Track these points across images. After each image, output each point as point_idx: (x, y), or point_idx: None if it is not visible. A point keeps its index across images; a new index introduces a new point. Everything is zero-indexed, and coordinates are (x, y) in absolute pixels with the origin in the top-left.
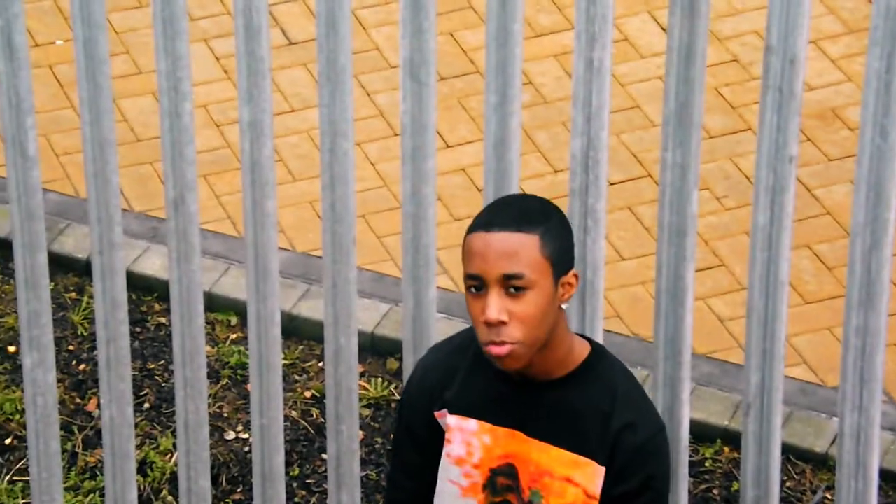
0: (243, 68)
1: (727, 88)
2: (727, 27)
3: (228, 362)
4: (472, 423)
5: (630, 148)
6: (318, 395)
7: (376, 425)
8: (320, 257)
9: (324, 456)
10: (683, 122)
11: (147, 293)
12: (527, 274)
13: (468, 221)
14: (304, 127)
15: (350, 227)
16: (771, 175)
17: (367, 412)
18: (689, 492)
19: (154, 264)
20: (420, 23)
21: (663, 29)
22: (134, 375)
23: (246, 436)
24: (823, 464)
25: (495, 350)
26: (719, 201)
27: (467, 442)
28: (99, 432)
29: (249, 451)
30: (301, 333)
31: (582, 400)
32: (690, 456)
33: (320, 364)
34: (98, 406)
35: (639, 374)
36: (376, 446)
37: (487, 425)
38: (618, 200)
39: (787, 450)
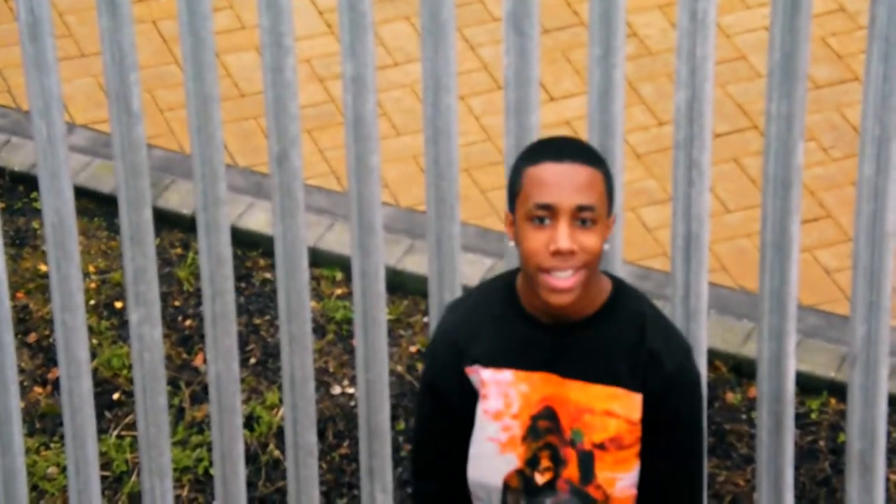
0: (346, 22)
1: (834, 38)
2: None
3: (334, 317)
4: (506, 374)
5: (735, 99)
6: (423, 349)
7: None
8: (424, 212)
9: None
10: (789, 72)
11: (252, 249)
12: (597, 207)
13: None
14: (408, 81)
15: (453, 182)
16: (877, 125)
17: None
18: (796, 443)
19: (258, 220)
20: None
21: None
22: (239, 331)
23: (352, 390)
24: None
25: (560, 283)
26: (826, 152)
27: (504, 393)
28: (206, 387)
29: (355, 406)
30: (406, 288)
31: (612, 333)
32: (796, 408)
33: (425, 319)
34: (204, 361)
35: (745, 326)
36: None
37: (522, 373)
38: (723, 152)
39: (894, 402)
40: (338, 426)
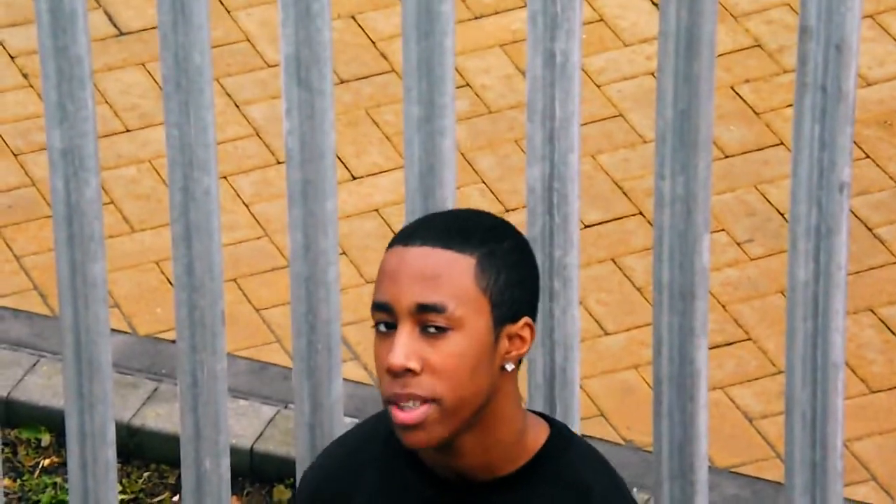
0: (51, 70)
1: (748, 86)
2: (743, 0)
3: (38, 501)
4: None
5: (612, 175)
6: None
7: None
8: (174, 342)
9: None
10: (686, 137)
11: None
12: (450, 307)
13: None
14: (144, 155)
15: (216, 298)
16: (814, 209)
17: None
18: None
19: None
20: (308, 3)
21: (654, 4)
22: None
23: None
24: None
25: (400, 416)
26: (741, 248)
27: None
28: None
29: None
30: (147, 454)
31: (540, 503)
32: None
33: (175, 498)
34: None
35: (636, 496)
36: None
37: None
38: (596, 250)
39: None
40: None
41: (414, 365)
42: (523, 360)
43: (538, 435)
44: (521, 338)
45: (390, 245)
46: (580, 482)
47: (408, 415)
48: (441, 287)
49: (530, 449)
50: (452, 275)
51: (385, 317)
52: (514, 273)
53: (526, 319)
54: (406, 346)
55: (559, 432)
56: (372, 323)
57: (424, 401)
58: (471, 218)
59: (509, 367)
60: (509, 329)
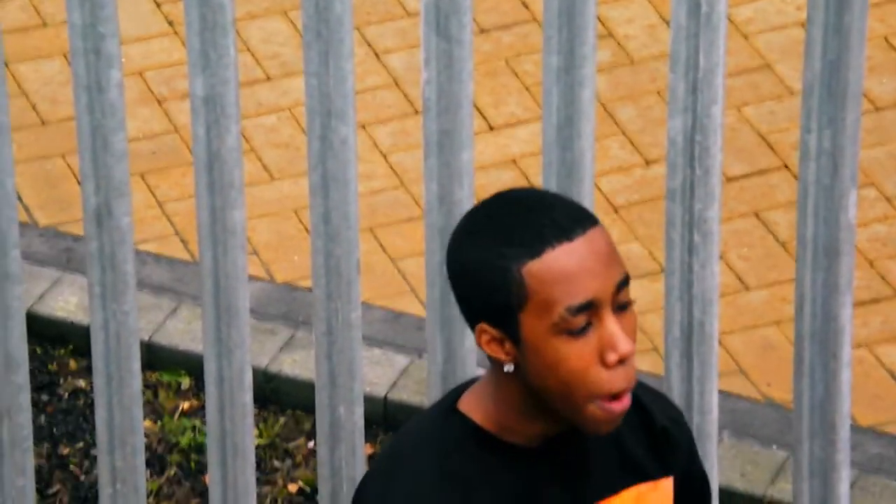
0: (195, 18)
1: None
2: None
3: (178, 443)
4: None
5: (757, 128)
6: (307, 489)
7: None
8: (310, 290)
9: None
10: (835, 89)
11: (58, 345)
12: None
13: None
14: (285, 104)
15: (352, 247)
16: None
17: None
18: None
19: (68, 303)
20: None
21: None
22: (39, 465)
23: None
24: None
25: (619, 407)
26: (890, 203)
27: None
28: None
29: None
30: (283, 400)
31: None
32: None
33: (311, 444)
34: None
35: (775, 455)
36: None
37: None
38: (739, 205)
39: None
40: None
41: (633, 346)
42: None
43: None
44: None
45: (533, 248)
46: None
47: (626, 400)
48: (619, 258)
49: None
50: (614, 247)
51: (585, 317)
52: None
53: None
54: (622, 332)
55: None
56: None
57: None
58: (552, 194)
59: None
60: None
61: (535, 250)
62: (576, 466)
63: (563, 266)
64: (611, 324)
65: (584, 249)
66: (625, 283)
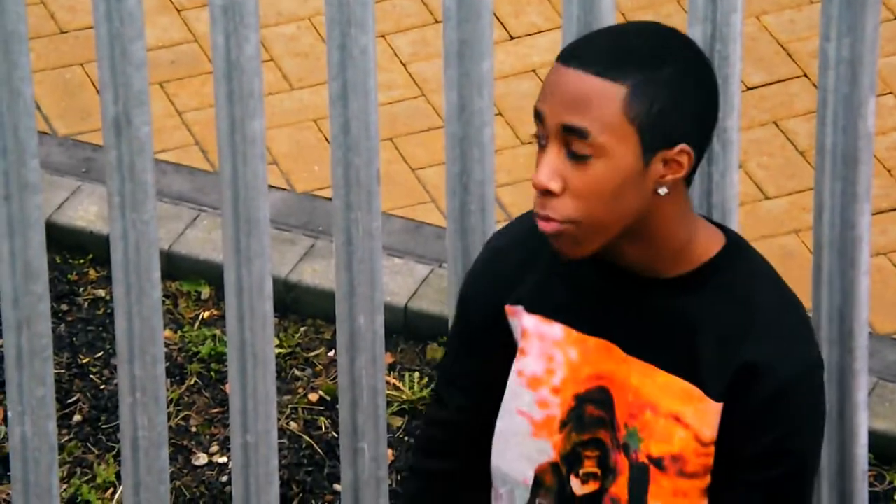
0: None
1: None
2: None
3: (198, 353)
4: (556, 329)
5: (776, 36)
6: (328, 398)
7: (412, 441)
8: (329, 200)
9: (336, 487)
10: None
11: (77, 254)
12: (593, 134)
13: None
14: (303, 13)
15: (372, 157)
16: None
17: (398, 422)
18: None
19: (87, 212)
20: None
21: None
22: (59, 374)
23: (224, 459)
24: None
25: (542, 225)
26: None
27: (548, 355)
28: (6, 458)
29: (229, 482)
30: (303, 310)
31: (701, 310)
32: (871, 484)
33: (331, 353)
34: (4, 421)
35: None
36: None
37: (576, 333)
38: (759, 113)
39: None
40: None
41: (555, 186)
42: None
43: (710, 245)
44: (678, 162)
45: (558, 58)
46: (745, 292)
47: (549, 224)
48: (588, 113)
49: (699, 257)
50: (601, 104)
51: (539, 129)
52: (673, 99)
53: (683, 146)
54: (550, 166)
55: (734, 244)
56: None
57: (563, 223)
58: (639, 36)
59: (662, 190)
60: (664, 154)
61: (557, 58)
62: (638, 313)
63: (549, 75)
64: (547, 153)
65: (563, 79)
66: (573, 131)
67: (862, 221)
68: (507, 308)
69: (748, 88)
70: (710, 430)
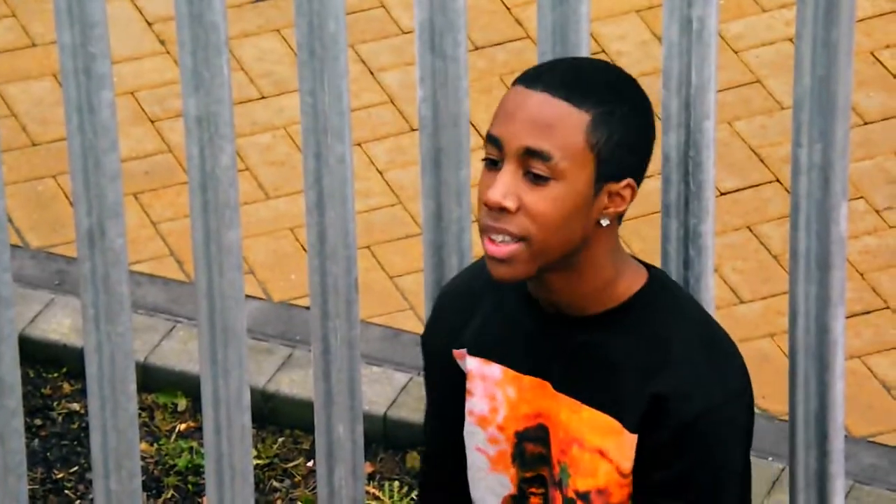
0: (187, 37)
1: (887, 51)
2: None
3: (175, 465)
4: (494, 369)
5: (748, 142)
6: None
7: None
8: (307, 308)
9: None
10: (825, 104)
11: (51, 367)
12: (556, 158)
13: None
14: (279, 122)
15: (350, 265)
16: None
17: None
18: None
19: (61, 325)
20: None
21: None
22: (33, 490)
23: None
24: None
25: (491, 249)
26: (880, 216)
27: (491, 395)
28: None
29: None
30: (281, 420)
31: (622, 346)
32: None
33: (310, 464)
34: None
35: (770, 467)
36: None
37: (512, 372)
38: (733, 218)
39: None
40: None
41: (510, 204)
42: (623, 218)
43: (634, 282)
44: (621, 196)
45: (515, 82)
46: (665, 333)
47: (498, 248)
48: (552, 137)
49: (621, 294)
50: (566, 127)
51: (494, 152)
52: (627, 135)
53: (628, 181)
54: (506, 185)
55: (656, 280)
56: None
57: (515, 238)
58: (597, 71)
59: (604, 221)
60: (611, 187)
61: (514, 81)
62: (566, 351)
63: (506, 99)
64: (504, 173)
65: (528, 102)
66: (536, 155)
67: (836, 326)
68: (455, 353)
69: (721, 193)
70: (627, 462)
